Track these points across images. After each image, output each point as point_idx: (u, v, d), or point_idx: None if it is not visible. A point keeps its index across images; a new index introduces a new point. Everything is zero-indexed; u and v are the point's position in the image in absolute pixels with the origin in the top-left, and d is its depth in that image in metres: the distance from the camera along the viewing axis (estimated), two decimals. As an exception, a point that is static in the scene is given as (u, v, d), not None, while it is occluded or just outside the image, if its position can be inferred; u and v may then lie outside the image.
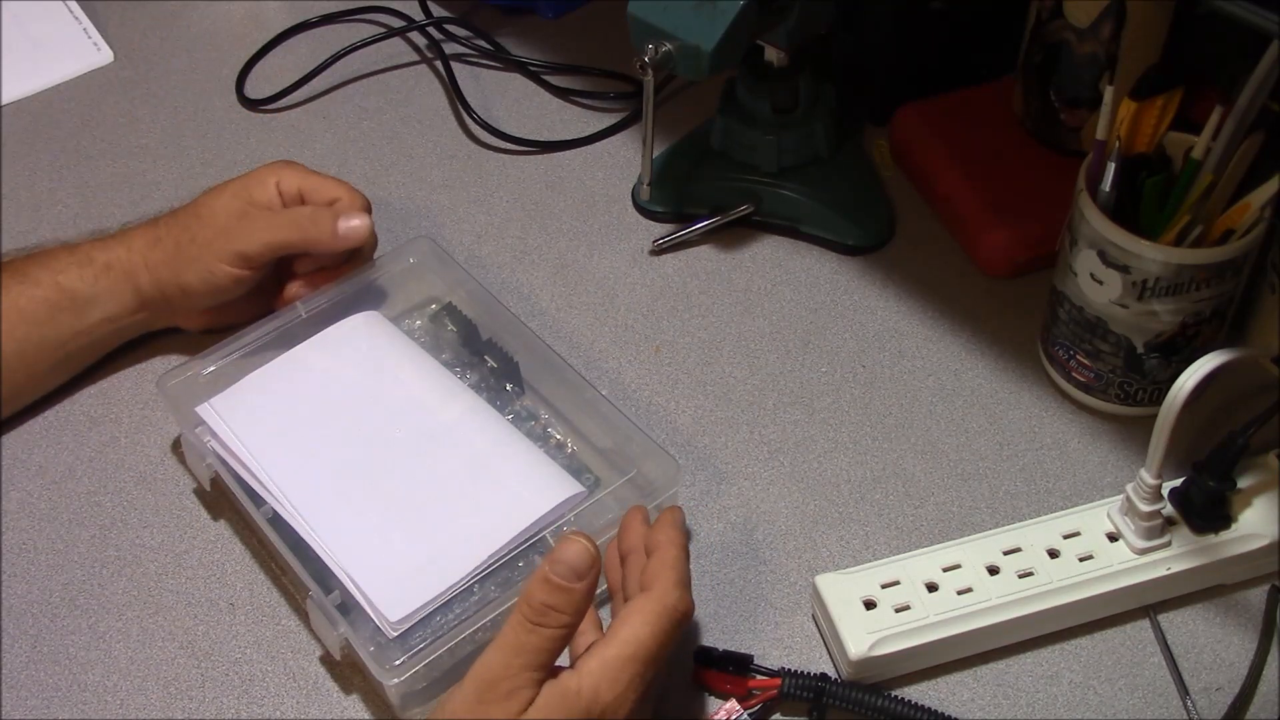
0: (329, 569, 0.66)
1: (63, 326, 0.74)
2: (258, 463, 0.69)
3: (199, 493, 0.74)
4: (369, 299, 0.79)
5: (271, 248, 0.76)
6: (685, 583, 0.58)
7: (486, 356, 0.77)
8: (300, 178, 0.78)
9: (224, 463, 0.70)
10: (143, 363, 0.80)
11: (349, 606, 0.65)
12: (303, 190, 0.78)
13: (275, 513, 0.68)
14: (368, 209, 0.79)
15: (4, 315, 0.72)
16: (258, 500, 0.69)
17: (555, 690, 0.54)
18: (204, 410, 0.72)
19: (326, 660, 0.66)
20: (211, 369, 0.74)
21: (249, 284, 0.76)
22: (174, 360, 0.79)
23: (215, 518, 0.73)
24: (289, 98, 0.97)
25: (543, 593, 0.54)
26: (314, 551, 0.66)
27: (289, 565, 0.66)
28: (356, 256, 0.79)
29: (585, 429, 0.74)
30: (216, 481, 0.71)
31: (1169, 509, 0.66)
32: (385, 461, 0.71)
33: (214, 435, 0.71)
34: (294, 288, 0.78)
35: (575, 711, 0.53)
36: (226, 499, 0.72)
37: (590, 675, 0.54)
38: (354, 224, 0.76)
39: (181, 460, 0.75)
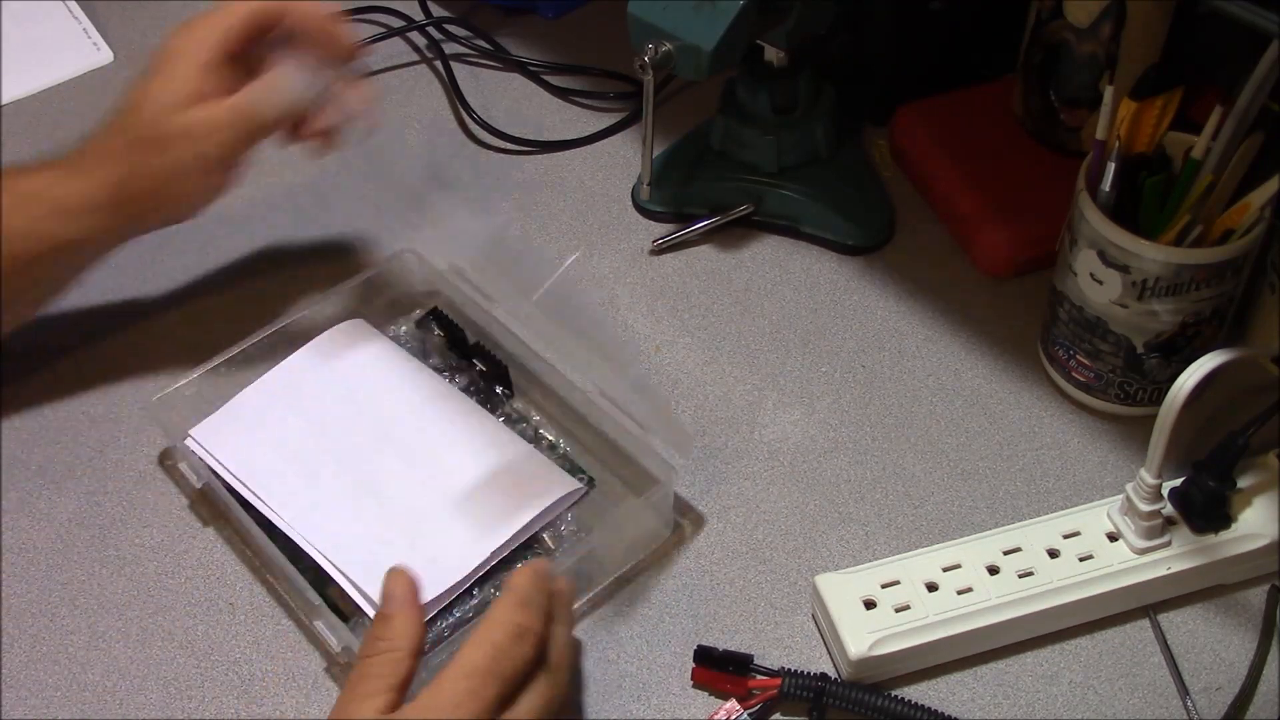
0: (328, 578, 0.66)
1: (47, 266, 0.73)
2: (248, 486, 0.69)
3: (196, 497, 0.73)
4: (354, 307, 0.79)
5: (258, 134, 0.72)
6: (519, 602, 0.58)
7: (475, 360, 0.77)
8: (219, 29, 0.71)
9: (218, 478, 0.70)
10: (142, 364, 0.79)
11: (348, 613, 0.65)
12: (237, 36, 0.71)
13: (271, 526, 0.68)
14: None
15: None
16: (254, 516, 0.69)
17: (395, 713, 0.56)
18: (191, 443, 0.72)
19: (326, 659, 0.66)
20: (199, 385, 0.74)
21: (249, 159, 0.73)
22: (170, 369, 0.79)
23: (212, 521, 0.73)
24: (289, 98, 0.97)
25: (373, 625, 0.58)
26: (312, 562, 0.66)
27: (289, 578, 0.66)
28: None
29: (577, 430, 0.74)
30: (210, 496, 0.71)
31: (1169, 509, 0.66)
32: (379, 468, 0.71)
33: (204, 460, 0.71)
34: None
35: None
36: (223, 507, 0.72)
37: (422, 699, 0.56)
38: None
39: (173, 475, 0.74)
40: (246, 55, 0.73)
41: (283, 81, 0.72)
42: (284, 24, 0.73)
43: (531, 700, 0.57)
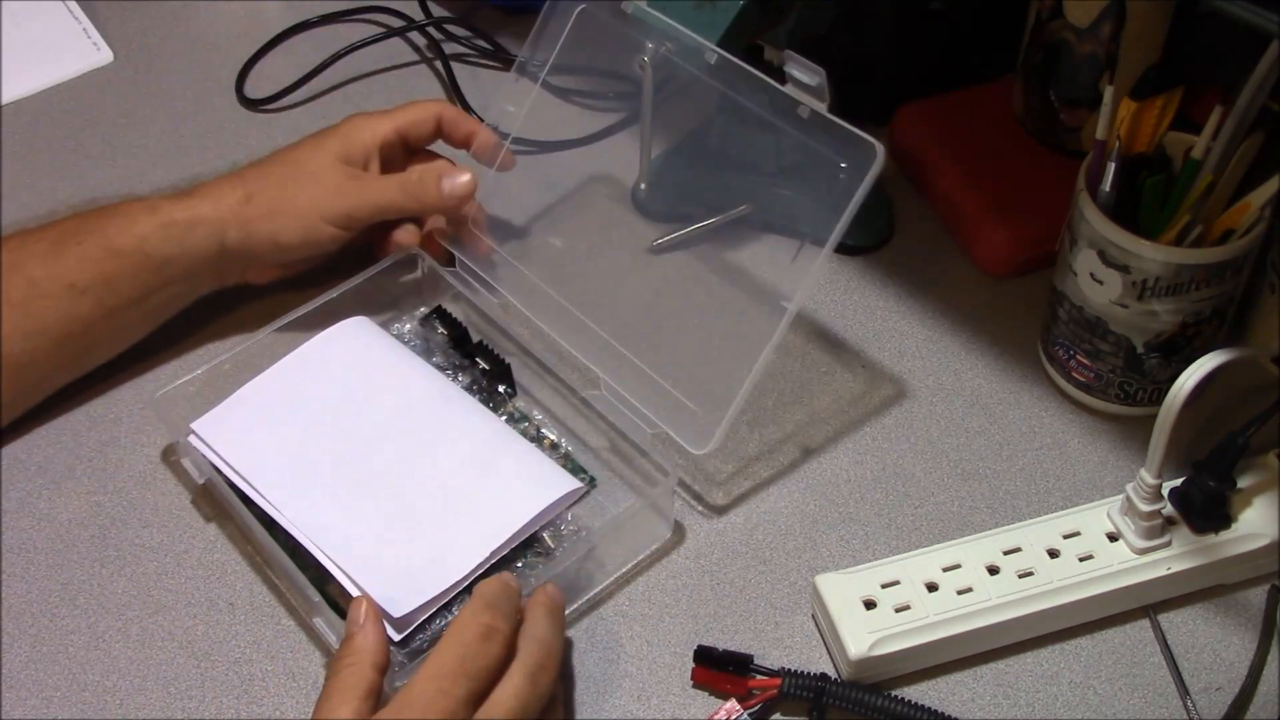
0: (329, 575, 0.66)
1: (145, 286, 0.75)
2: (249, 482, 0.69)
3: (199, 493, 0.74)
4: (358, 304, 0.79)
5: (381, 210, 0.78)
6: (485, 605, 0.59)
7: (478, 359, 0.77)
8: (391, 122, 0.79)
9: (219, 474, 0.70)
10: (143, 364, 0.79)
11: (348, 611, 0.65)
12: (400, 131, 0.80)
13: (272, 522, 0.68)
14: (470, 133, 0.81)
15: (90, 284, 0.73)
16: (255, 512, 0.69)
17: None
18: (193, 439, 0.72)
19: (326, 658, 0.66)
20: (203, 382, 0.74)
21: (343, 243, 0.78)
22: (173, 366, 0.79)
23: (214, 517, 0.73)
24: (289, 98, 0.97)
25: (339, 647, 0.60)
26: (313, 559, 0.66)
27: (289, 575, 0.66)
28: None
29: (579, 429, 0.74)
30: (213, 492, 0.71)
31: (1169, 509, 0.66)
32: (381, 466, 0.71)
33: (206, 455, 0.71)
34: (402, 234, 0.80)
35: None
36: (225, 504, 0.72)
37: (395, 702, 0.57)
38: (459, 182, 0.79)
39: (176, 471, 0.74)
40: (395, 158, 0.81)
41: (439, 183, 0.78)
42: (444, 130, 0.82)
43: (504, 698, 0.57)
